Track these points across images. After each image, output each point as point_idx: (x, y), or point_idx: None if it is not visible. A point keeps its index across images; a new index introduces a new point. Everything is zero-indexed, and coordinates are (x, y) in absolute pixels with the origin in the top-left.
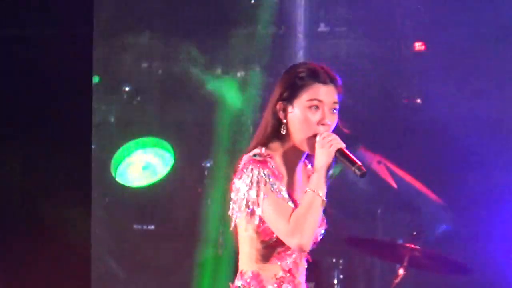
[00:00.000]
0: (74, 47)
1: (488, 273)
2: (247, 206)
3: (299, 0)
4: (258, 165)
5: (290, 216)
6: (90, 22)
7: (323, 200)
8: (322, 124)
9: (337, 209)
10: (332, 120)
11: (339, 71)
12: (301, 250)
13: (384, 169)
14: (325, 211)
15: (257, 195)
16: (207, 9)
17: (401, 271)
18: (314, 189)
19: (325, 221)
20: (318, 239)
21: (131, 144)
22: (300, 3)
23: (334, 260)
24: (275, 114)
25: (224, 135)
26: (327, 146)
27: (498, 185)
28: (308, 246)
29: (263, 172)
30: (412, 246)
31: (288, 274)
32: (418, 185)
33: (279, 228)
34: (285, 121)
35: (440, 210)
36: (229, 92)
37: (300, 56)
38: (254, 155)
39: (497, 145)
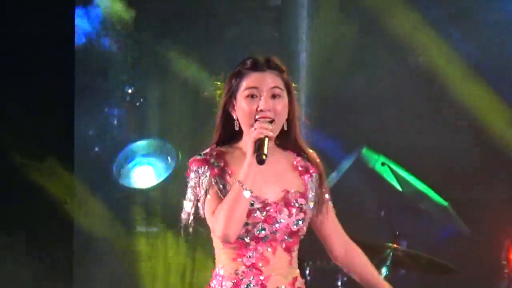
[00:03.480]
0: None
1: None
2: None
3: None
4: (197, 165)
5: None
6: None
7: (246, 190)
8: (260, 111)
9: (340, 211)
10: (272, 105)
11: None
12: (225, 240)
13: (388, 170)
14: (292, 203)
15: (196, 196)
16: (200, 9)
17: (384, 271)
18: (239, 179)
19: (303, 211)
20: (293, 229)
21: (133, 145)
22: None
23: None
24: (225, 111)
25: None
26: (253, 136)
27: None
28: (230, 236)
29: (201, 171)
30: (395, 245)
31: (252, 268)
32: (422, 187)
33: (208, 223)
34: (235, 116)
35: (443, 212)
36: None
37: None
38: (199, 154)
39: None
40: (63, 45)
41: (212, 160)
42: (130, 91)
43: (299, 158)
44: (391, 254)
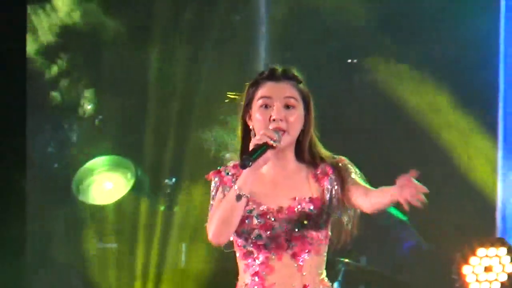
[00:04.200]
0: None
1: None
2: None
3: None
4: (213, 176)
5: None
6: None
7: (239, 194)
8: (273, 120)
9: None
10: (285, 115)
11: None
12: (216, 244)
13: None
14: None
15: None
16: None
17: (335, 286)
18: (236, 184)
19: (308, 216)
20: (295, 235)
21: (92, 162)
22: None
23: None
24: (244, 122)
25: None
26: (253, 141)
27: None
28: (219, 239)
29: (214, 182)
30: (346, 260)
31: (256, 278)
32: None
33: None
34: (251, 126)
35: (403, 228)
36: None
37: None
38: (218, 167)
39: None
40: (18, 60)
41: (225, 171)
42: (89, 107)
43: (319, 169)
44: (343, 269)
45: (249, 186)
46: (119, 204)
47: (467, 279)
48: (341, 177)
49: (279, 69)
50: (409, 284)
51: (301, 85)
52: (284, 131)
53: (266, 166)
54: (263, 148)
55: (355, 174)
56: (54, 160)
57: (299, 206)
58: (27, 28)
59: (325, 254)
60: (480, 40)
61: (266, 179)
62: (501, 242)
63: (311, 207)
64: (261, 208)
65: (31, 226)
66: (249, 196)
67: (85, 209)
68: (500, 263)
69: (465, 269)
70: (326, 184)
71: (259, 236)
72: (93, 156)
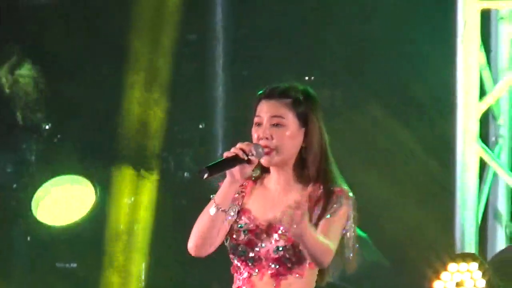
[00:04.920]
0: None
1: None
2: None
3: None
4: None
5: None
6: None
7: (213, 206)
8: (260, 139)
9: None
10: (271, 134)
11: None
12: (195, 255)
13: None
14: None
15: None
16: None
17: None
18: (216, 195)
19: (289, 239)
20: (274, 255)
21: (51, 182)
22: None
23: None
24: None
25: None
26: (224, 154)
27: None
28: (194, 249)
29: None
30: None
31: None
32: None
33: None
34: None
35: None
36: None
37: None
38: None
39: None
40: None
41: (240, 187)
42: (47, 127)
43: (319, 192)
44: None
45: (227, 199)
46: (79, 224)
47: None
48: (324, 209)
49: (279, 86)
50: None
51: (296, 103)
52: (271, 149)
53: (271, 182)
54: (228, 161)
55: (337, 217)
56: (12, 180)
57: (282, 228)
58: None
59: (313, 278)
60: None
61: (269, 195)
62: (472, 257)
63: None
64: (251, 225)
65: None
66: (226, 209)
67: (45, 228)
68: (471, 278)
69: (437, 285)
70: (317, 211)
71: (243, 252)
72: (52, 176)
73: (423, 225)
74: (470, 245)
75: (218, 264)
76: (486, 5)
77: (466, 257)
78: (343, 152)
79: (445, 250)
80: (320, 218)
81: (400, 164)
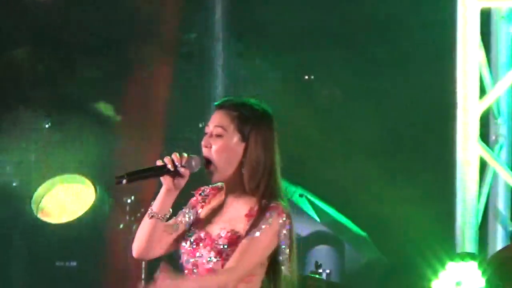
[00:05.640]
0: None
1: None
2: None
3: None
4: (195, 193)
5: None
6: None
7: (150, 211)
8: (205, 147)
9: None
10: (212, 143)
11: None
12: (138, 258)
13: (306, 202)
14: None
15: None
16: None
17: None
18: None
19: (220, 252)
20: (207, 266)
21: (51, 181)
22: None
23: None
24: None
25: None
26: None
27: None
28: (140, 254)
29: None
30: (316, 277)
31: None
32: (341, 218)
33: None
34: None
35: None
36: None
37: None
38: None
39: None
40: None
41: (203, 191)
42: (47, 126)
43: (259, 206)
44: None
45: (164, 207)
46: (78, 223)
47: None
48: (253, 225)
49: (232, 99)
50: None
51: (239, 116)
52: (208, 159)
53: (225, 193)
54: (154, 169)
55: (263, 236)
56: (12, 179)
57: (218, 240)
58: None
59: (258, 283)
60: None
61: (219, 206)
62: (471, 256)
63: (226, 244)
64: (195, 235)
65: None
66: (162, 216)
67: (45, 227)
68: (471, 277)
69: (436, 284)
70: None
71: (186, 261)
72: (53, 174)
73: (423, 225)
74: (470, 245)
75: None
76: (486, 4)
77: (465, 256)
78: (343, 152)
79: (445, 250)
80: (247, 233)
81: (400, 164)
